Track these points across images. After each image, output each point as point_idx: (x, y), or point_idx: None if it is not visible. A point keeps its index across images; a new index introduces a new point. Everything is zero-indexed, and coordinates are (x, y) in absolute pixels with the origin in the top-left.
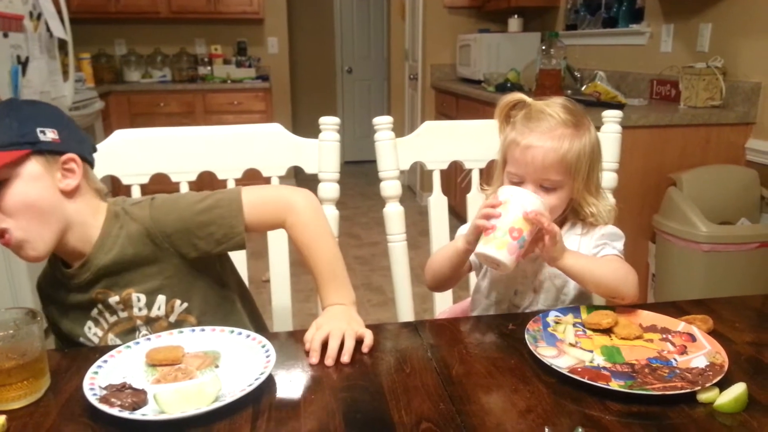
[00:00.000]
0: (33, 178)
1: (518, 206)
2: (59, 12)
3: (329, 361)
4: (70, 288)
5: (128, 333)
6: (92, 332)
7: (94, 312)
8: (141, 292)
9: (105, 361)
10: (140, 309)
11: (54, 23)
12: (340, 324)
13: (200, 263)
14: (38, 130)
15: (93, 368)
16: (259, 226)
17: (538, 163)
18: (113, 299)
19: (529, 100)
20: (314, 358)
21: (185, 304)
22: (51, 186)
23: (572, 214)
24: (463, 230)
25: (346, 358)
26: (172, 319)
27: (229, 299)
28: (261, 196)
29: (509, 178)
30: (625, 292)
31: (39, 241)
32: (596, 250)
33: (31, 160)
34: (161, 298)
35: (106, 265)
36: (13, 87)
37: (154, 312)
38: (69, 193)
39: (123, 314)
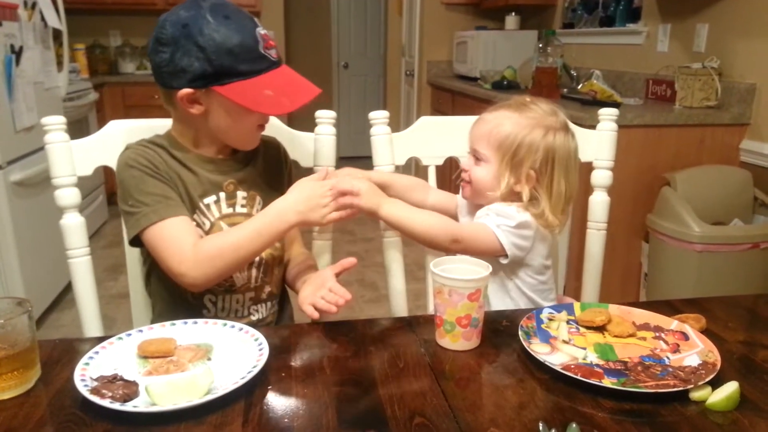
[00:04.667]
0: None
1: (455, 295)
2: (54, 2)
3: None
4: (212, 169)
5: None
6: (211, 210)
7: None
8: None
9: (96, 353)
10: (256, 210)
11: (49, 13)
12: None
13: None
14: None
15: (84, 359)
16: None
17: (471, 131)
18: (241, 193)
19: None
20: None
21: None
22: None
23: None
24: None
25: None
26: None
27: None
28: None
29: None
30: (435, 244)
31: None
32: (477, 217)
33: None
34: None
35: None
36: (7, 76)
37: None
38: None
39: (241, 209)
